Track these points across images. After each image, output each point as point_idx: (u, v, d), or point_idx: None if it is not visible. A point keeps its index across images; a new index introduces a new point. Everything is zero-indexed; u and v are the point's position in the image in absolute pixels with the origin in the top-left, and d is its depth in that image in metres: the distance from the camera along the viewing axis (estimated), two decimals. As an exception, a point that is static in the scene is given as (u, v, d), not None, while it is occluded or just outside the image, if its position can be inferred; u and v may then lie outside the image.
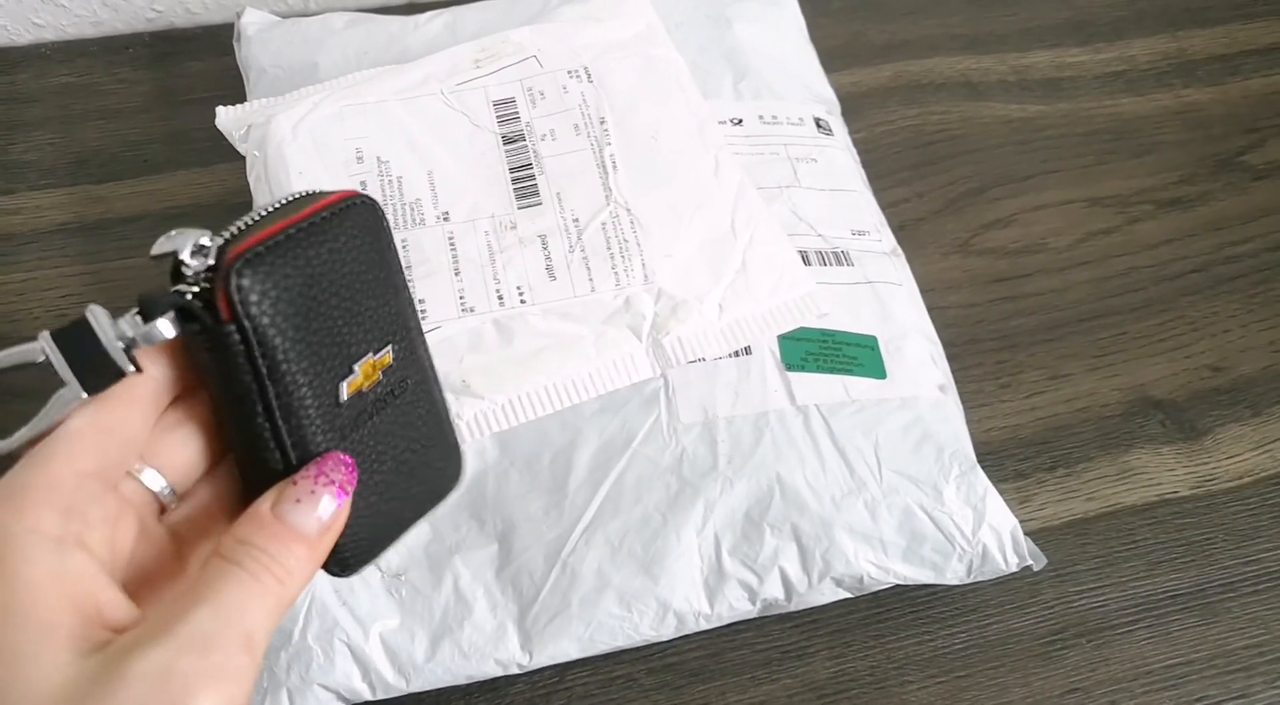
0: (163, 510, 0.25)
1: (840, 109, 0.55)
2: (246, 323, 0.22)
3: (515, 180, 0.42)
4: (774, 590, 0.40)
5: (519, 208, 0.41)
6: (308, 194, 0.25)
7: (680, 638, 0.41)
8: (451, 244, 0.40)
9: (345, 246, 0.24)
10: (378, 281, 0.25)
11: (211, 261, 0.22)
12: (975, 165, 0.58)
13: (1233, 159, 0.60)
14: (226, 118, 0.46)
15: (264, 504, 0.24)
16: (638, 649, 0.41)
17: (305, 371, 0.23)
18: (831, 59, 0.57)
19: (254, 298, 0.22)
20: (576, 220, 0.41)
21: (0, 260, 0.51)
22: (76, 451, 0.23)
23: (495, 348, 0.38)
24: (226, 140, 0.47)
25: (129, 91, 0.58)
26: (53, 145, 0.56)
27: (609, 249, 0.40)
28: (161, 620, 0.21)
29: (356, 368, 0.24)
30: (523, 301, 0.39)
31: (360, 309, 0.24)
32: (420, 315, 0.32)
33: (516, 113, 0.44)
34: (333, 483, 0.24)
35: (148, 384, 0.24)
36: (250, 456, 0.24)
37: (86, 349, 0.23)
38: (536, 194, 0.41)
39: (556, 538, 0.39)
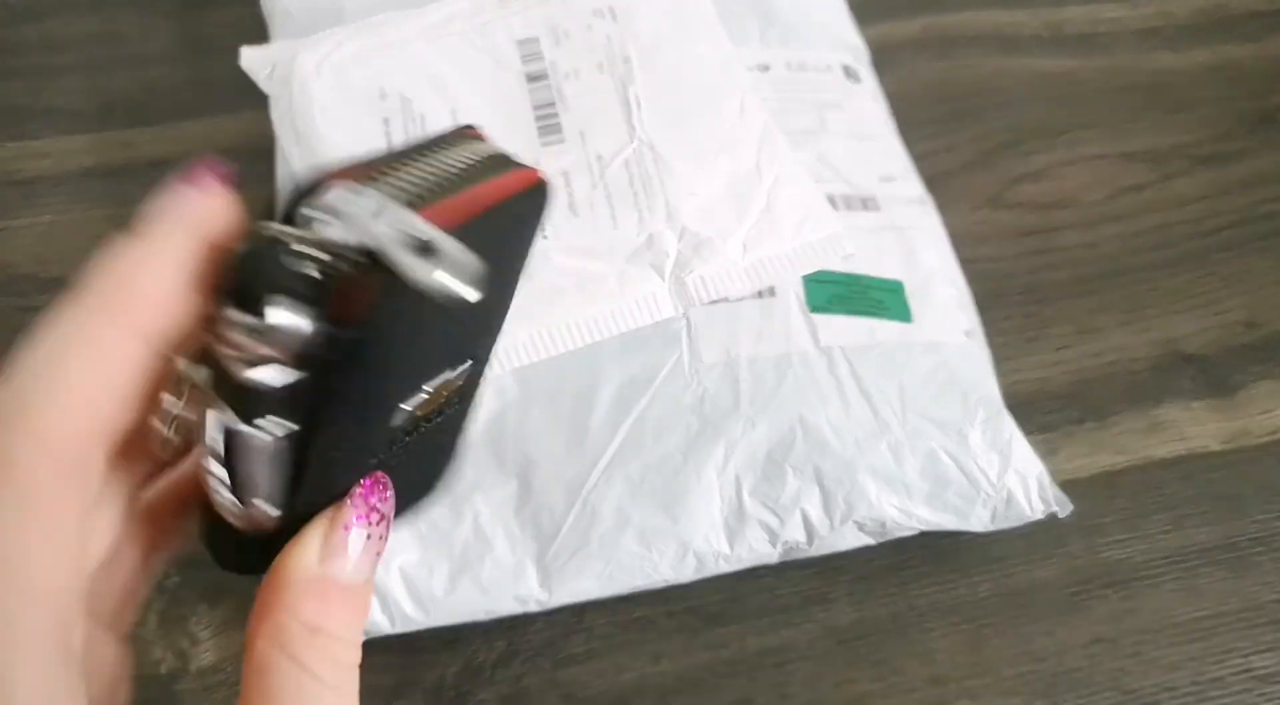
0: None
1: (869, 59, 0.54)
2: (379, 340, 0.16)
3: (539, 117, 0.42)
4: (795, 532, 0.39)
5: (542, 145, 0.41)
6: (492, 156, 0.18)
7: (700, 581, 0.41)
8: (474, 180, 0.40)
9: (511, 242, 0.19)
10: (502, 287, 0.19)
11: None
12: (1007, 119, 0.57)
13: (1272, 116, 0.58)
14: (251, 58, 0.46)
15: (307, 557, 0.18)
16: (657, 592, 0.41)
17: (389, 398, 0.18)
18: (861, 10, 0.56)
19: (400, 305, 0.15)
20: (600, 157, 0.40)
21: (29, 203, 0.51)
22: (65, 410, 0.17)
23: (517, 283, 0.38)
24: (251, 88, 0.47)
25: (156, 39, 0.58)
26: (81, 91, 0.56)
27: (632, 186, 0.40)
28: None
29: (428, 388, 0.19)
30: (544, 237, 0.39)
31: (470, 319, 0.19)
32: None
33: (540, 51, 0.43)
34: (384, 518, 0.19)
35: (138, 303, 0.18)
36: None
37: None
38: (560, 131, 0.41)
39: (576, 475, 0.39)
